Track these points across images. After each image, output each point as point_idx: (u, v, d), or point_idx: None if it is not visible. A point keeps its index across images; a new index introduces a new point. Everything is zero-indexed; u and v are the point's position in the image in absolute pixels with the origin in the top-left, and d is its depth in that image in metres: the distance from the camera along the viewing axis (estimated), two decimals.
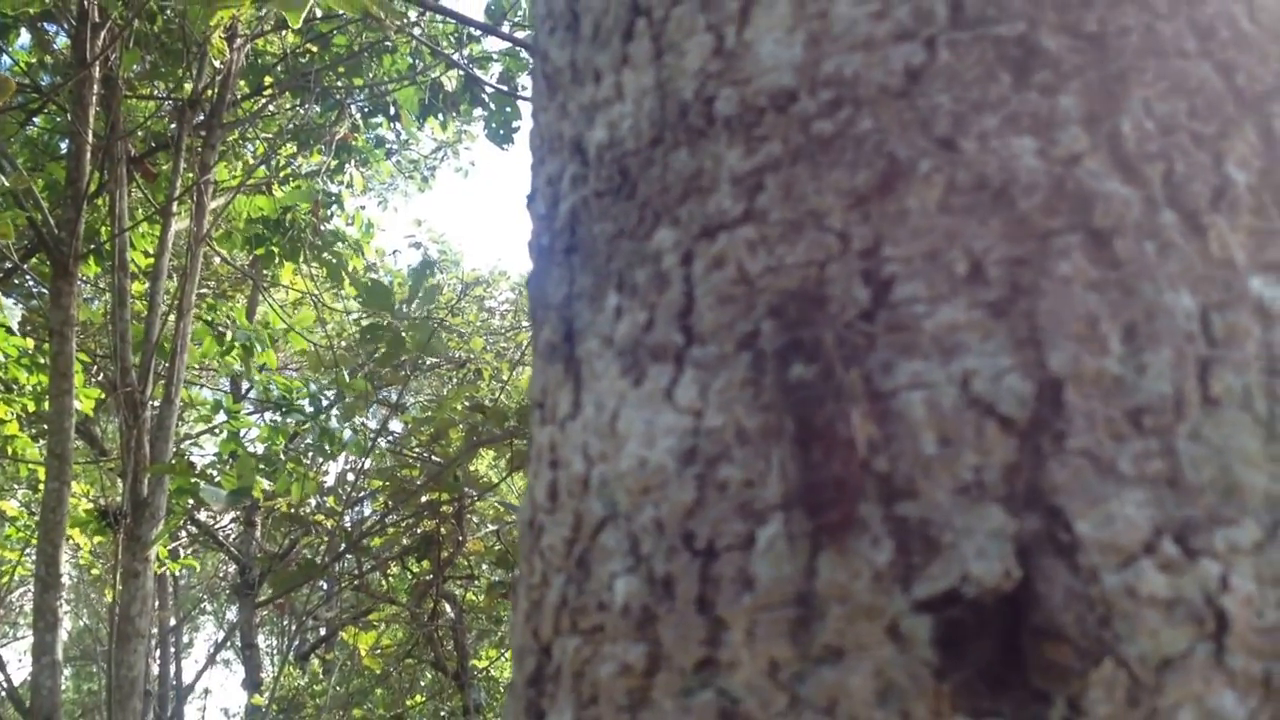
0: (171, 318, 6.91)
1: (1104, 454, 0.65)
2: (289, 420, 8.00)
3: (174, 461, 6.30)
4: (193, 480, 6.00)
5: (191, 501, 6.80)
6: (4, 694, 6.84)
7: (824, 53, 0.75)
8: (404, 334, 5.74)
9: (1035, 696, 0.63)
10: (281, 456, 7.10)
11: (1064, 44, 0.72)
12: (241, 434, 8.32)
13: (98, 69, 6.48)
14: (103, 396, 7.90)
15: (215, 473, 7.41)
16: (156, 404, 6.63)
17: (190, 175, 7.38)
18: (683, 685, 0.69)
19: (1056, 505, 0.65)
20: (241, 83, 8.04)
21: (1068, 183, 0.70)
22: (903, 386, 0.68)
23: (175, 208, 7.09)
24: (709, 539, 0.70)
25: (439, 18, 7.97)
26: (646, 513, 0.73)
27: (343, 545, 6.93)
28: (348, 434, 7.42)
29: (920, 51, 0.73)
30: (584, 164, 0.86)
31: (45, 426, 7.09)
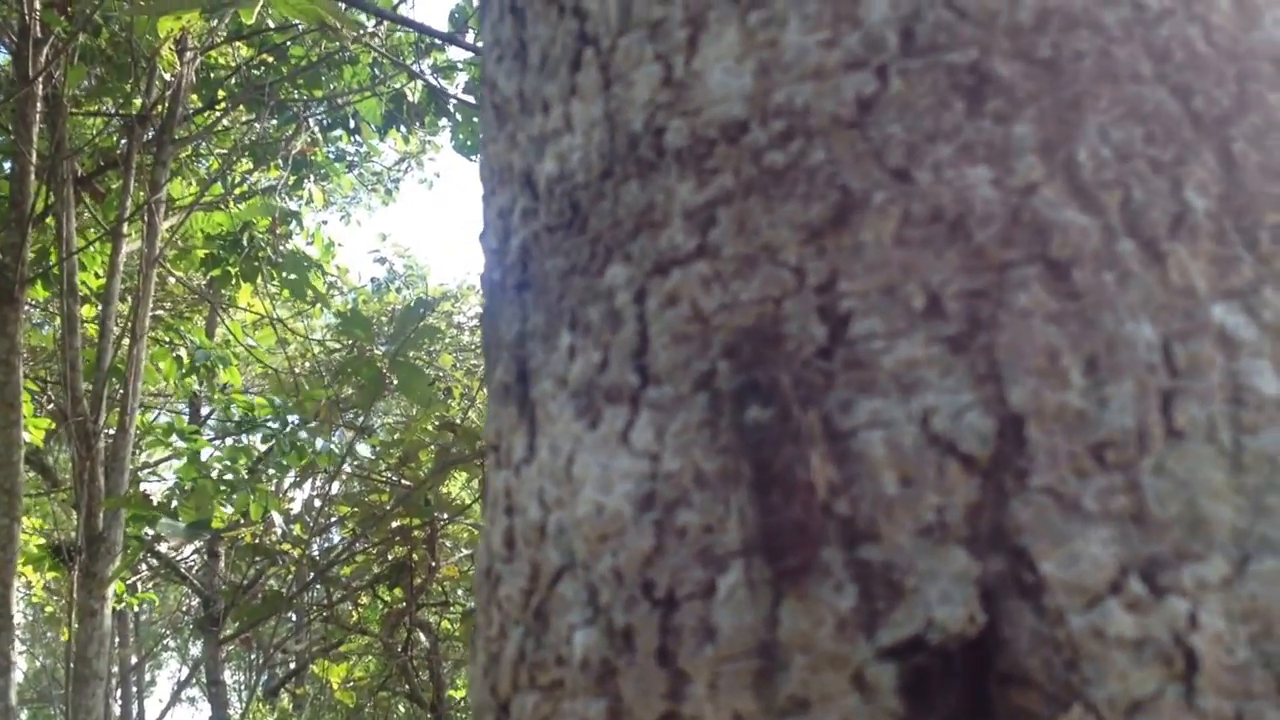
0: (125, 342, 6.89)
1: (1067, 491, 0.66)
2: (254, 437, 7.96)
3: (129, 494, 6.28)
4: (151, 513, 5.98)
5: (150, 532, 6.77)
6: None
7: (774, 82, 0.76)
8: (384, 370, 5.71)
9: None
10: (244, 476, 7.07)
11: (1017, 70, 0.73)
12: (202, 456, 8.28)
13: (41, 86, 6.46)
14: (53, 426, 7.87)
15: (174, 501, 7.39)
16: (111, 432, 6.61)
17: (141, 194, 7.36)
18: None
19: (1020, 546, 0.66)
20: (193, 97, 8.02)
21: (1024, 213, 0.71)
22: (862, 425, 0.69)
23: (126, 228, 7.07)
24: (669, 588, 0.71)
25: (401, 26, 7.97)
26: (605, 561, 0.74)
27: (311, 575, 6.91)
28: (319, 443, 7.39)
29: (872, 80, 0.74)
30: (534, 197, 0.87)
31: None
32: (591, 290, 0.80)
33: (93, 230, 7.77)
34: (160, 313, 10.12)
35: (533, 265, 0.85)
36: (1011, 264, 0.70)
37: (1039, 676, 0.64)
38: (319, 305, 10.28)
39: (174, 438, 8.11)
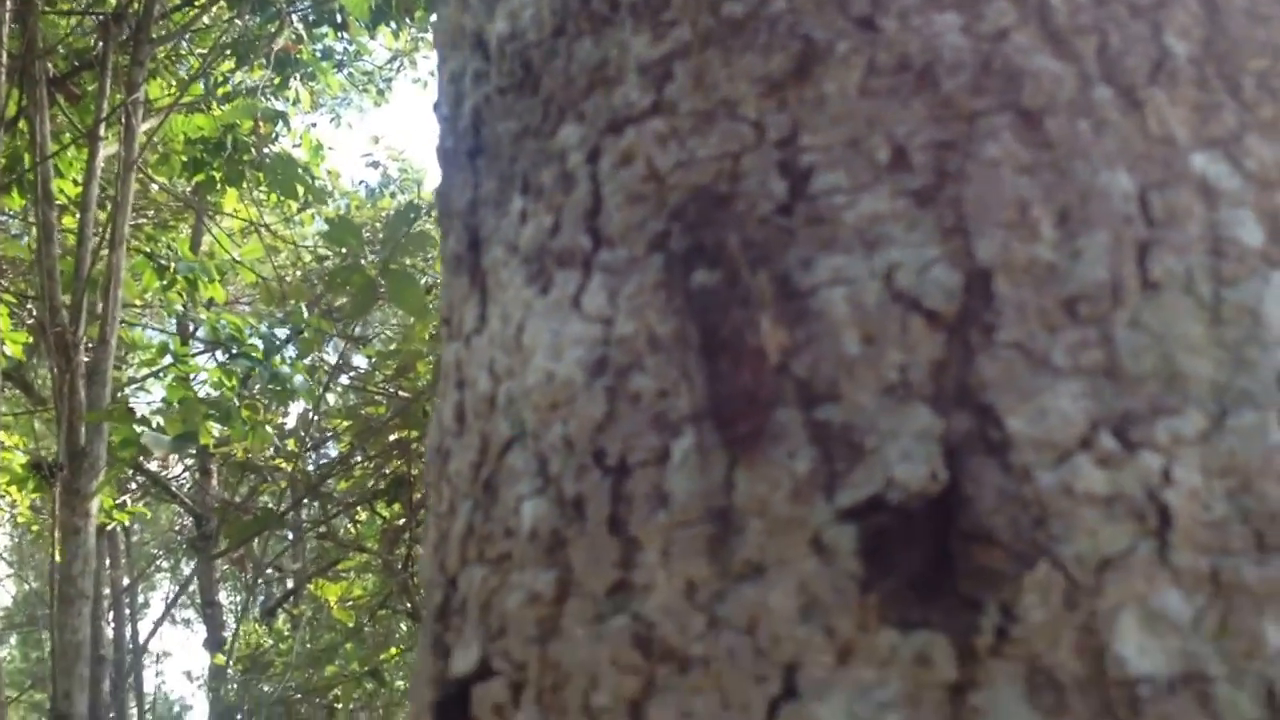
0: (104, 251, 6.88)
1: (1036, 346, 0.66)
2: (238, 364, 7.97)
3: (112, 408, 6.30)
4: (134, 427, 5.99)
5: (139, 452, 6.79)
6: None
7: None
8: (376, 278, 5.68)
9: (966, 604, 0.64)
10: (235, 402, 7.09)
11: None
12: (191, 378, 8.30)
13: None
14: (31, 340, 7.89)
15: (161, 419, 7.41)
16: (92, 344, 6.62)
17: (118, 95, 7.32)
18: (595, 612, 0.70)
19: (986, 402, 0.66)
20: None
21: (995, 60, 0.70)
22: (823, 283, 0.69)
23: (103, 131, 7.04)
24: (621, 455, 0.71)
25: None
26: (555, 430, 0.74)
27: (304, 491, 6.95)
28: (299, 379, 7.39)
29: None
30: (486, 59, 0.86)
31: None
32: (544, 152, 0.79)
33: (68, 134, 7.73)
34: (142, 221, 10.11)
35: (485, 130, 0.85)
36: (981, 113, 0.70)
37: (1004, 535, 0.64)
38: (309, 211, 10.26)
39: (168, 358, 8.12)
